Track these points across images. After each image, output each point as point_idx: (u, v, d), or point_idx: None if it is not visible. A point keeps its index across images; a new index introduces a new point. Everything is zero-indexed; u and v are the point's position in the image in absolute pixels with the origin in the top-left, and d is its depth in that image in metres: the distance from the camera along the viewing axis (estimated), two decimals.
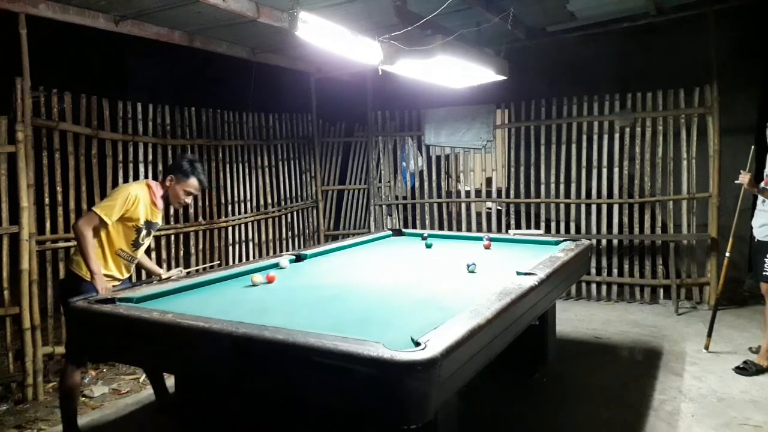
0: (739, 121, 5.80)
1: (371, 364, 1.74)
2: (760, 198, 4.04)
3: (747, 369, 3.89)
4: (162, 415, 3.46)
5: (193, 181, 3.27)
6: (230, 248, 5.77)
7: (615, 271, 5.88)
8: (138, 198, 3.12)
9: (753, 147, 4.45)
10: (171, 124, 5.15)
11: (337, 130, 7.23)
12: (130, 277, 3.41)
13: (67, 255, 4.20)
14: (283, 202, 6.61)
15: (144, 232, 3.25)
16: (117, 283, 3.21)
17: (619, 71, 6.22)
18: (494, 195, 6.59)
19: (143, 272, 4.05)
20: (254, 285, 2.98)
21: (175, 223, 5.14)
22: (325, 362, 1.83)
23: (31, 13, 3.72)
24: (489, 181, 6.67)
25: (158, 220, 3.35)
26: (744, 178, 4.09)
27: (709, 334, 4.29)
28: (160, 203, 3.27)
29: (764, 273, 3.99)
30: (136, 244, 3.25)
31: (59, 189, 4.16)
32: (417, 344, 1.85)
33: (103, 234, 3.10)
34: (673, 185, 5.65)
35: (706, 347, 4.29)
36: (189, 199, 3.33)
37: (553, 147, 6.14)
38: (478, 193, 6.80)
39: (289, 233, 6.68)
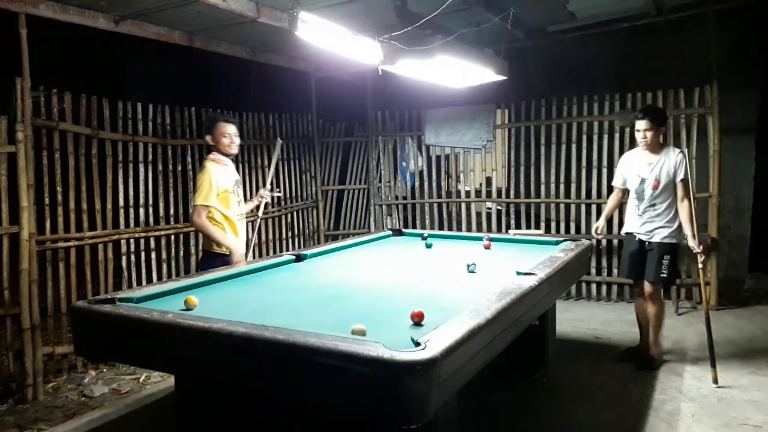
0: (739, 121, 5.81)
1: (371, 364, 1.74)
2: (646, 203, 3.95)
3: (646, 365, 3.99)
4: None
5: (219, 126, 3.63)
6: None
7: (615, 271, 5.88)
8: (214, 173, 3.52)
9: None
10: (171, 124, 5.15)
11: (337, 130, 7.23)
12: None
13: (67, 255, 4.22)
14: (283, 202, 6.61)
15: (235, 189, 3.68)
16: (244, 242, 3.76)
17: (619, 71, 6.22)
18: (494, 195, 6.60)
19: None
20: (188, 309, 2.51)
21: (175, 223, 5.14)
22: (325, 362, 1.83)
23: (31, 13, 3.72)
24: (489, 181, 6.67)
25: (237, 175, 3.80)
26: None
27: (714, 364, 3.71)
28: (227, 160, 3.69)
29: (662, 275, 3.91)
30: (237, 203, 3.71)
31: (59, 189, 4.16)
32: (417, 344, 1.85)
33: (215, 213, 3.54)
34: None
35: (715, 381, 3.68)
36: (230, 140, 3.65)
37: (553, 147, 6.14)
38: (478, 193, 6.80)
39: (289, 233, 6.68)
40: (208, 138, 3.68)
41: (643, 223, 3.98)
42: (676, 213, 3.93)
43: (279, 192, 4.06)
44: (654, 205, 3.92)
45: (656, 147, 3.92)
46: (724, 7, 5.13)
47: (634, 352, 4.20)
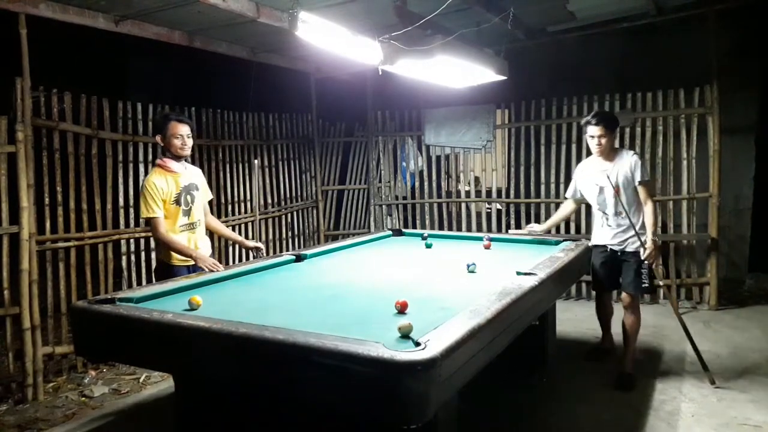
0: (739, 121, 5.81)
1: (371, 364, 1.74)
2: (612, 212, 3.77)
3: (626, 384, 3.67)
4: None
5: (171, 125, 3.39)
6: (230, 248, 5.76)
7: None
8: (153, 181, 3.31)
9: None
10: None
11: (337, 130, 7.23)
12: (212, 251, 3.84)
13: (67, 255, 4.21)
14: (283, 202, 6.61)
15: (184, 197, 3.43)
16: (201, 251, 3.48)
17: (619, 71, 6.22)
18: (494, 195, 6.60)
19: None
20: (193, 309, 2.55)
21: None
22: (325, 362, 1.83)
23: (31, 13, 3.72)
24: (489, 181, 6.67)
25: (190, 179, 3.51)
26: None
27: (705, 368, 3.70)
28: (175, 165, 3.44)
29: (644, 284, 3.73)
30: (186, 213, 3.46)
31: (59, 189, 4.16)
32: (417, 344, 1.85)
33: (167, 223, 3.35)
34: (673, 185, 5.65)
35: (712, 382, 3.67)
36: (182, 142, 3.41)
37: (553, 147, 6.14)
38: (478, 193, 6.80)
39: (289, 233, 6.68)
40: (158, 138, 3.43)
41: (614, 235, 3.79)
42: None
43: (262, 248, 3.81)
44: (620, 213, 3.73)
45: (610, 153, 3.76)
46: (724, 7, 5.13)
47: (600, 352, 4.24)
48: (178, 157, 3.44)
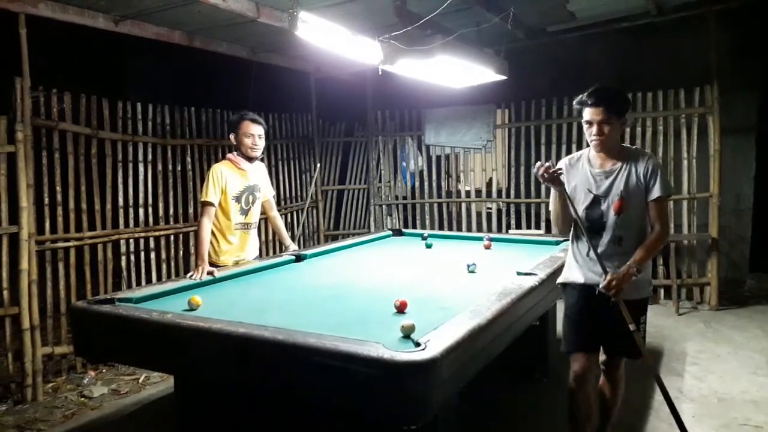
0: (739, 121, 5.80)
1: (371, 364, 1.73)
2: (608, 237, 2.57)
3: None
4: None
5: (243, 125, 3.45)
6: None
7: None
8: (220, 169, 3.39)
9: None
10: (171, 124, 5.15)
11: (337, 130, 7.23)
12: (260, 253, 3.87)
13: (67, 255, 4.21)
14: (283, 202, 6.61)
15: (246, 196, 3.51)
16: (241, 253, 3.54)
17: (619, 71, 6.21)
18: (494, 195, 6.59)
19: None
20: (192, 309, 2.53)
21: (175, 223, 5.14)
22: (325, 363, 1.83)
23: (30, 12, 3.71)
24: (489, 181, 6.67)
25: (256, 180, 3.59)
26: None
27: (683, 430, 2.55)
28: (244, 163, 3.50)
29: (643, 341, 2.61)
30: (244, 212, 3.53)
31: (59, 189, 4.15)
32: (417, 344, 1.84)
33: (219, 214, 3.41)
34: (674, 185, 5.65)
35: None
36: (253, 141, 3.47)
37: (553, 147, 6.14)
38: (478, 193, 6.79)
39: (289, 233, 6.65)
40: (231, 137, 3.52)
41: (606, 270, 2.48)
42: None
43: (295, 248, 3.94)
44: (620, 239, 2.54)
45: (615, 149, 2.59)
46: (724, 7, 5.12)
47: None
48: (248, 158, 3.51)
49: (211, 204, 3.35)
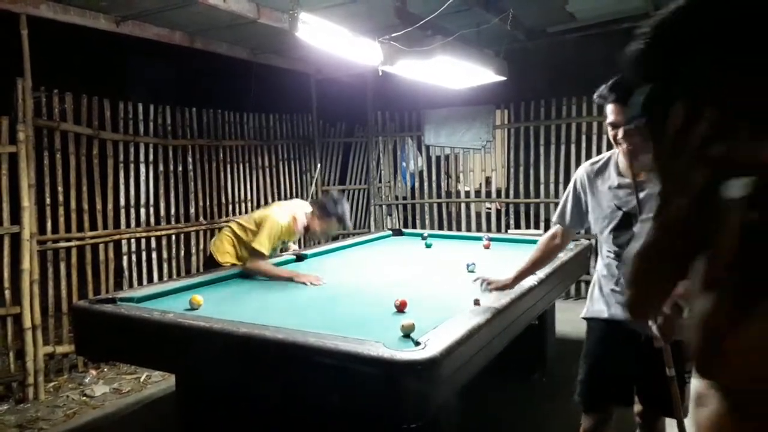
0: None
1: (371, 363, 1.75)
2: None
3: None
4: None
5: (333, 222, 3.56)
6: None
7: None
8: (282, 226, 3.45)
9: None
10: (172, 125, 5.16)
11: (337, 131, 7.23)
12: None
13: (68, 255, 4.22)
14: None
15: (278, 247, 3.69)
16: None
17: (619, 72, 6.22)
18: (494, 195, 6.60)
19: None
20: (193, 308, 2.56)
21: (176, 223, 5.15)
22: (325, 362, 1.84)
23: (32, 13, 3.72)
24: (489, 181, 6.68)
25: (293, 239, 3.84)
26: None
27: None
28: (299, 230, 3.63)
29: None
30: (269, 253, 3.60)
31: (60, 189, 4.17)
32: (417, 344, 1.86)
33: (248, 240, 3.45)
34: None
35: None
36: (318, 231, 3.64)
37: (553, 147, 6.15)
38: (478, 193, 6.81)
39: None
40: (312, 212, 3.57)
41: None
42: None
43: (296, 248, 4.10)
44: None
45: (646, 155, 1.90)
46: None
47: None
48: (305, 229, 3.63)
49: (264, 254, 3.37)
